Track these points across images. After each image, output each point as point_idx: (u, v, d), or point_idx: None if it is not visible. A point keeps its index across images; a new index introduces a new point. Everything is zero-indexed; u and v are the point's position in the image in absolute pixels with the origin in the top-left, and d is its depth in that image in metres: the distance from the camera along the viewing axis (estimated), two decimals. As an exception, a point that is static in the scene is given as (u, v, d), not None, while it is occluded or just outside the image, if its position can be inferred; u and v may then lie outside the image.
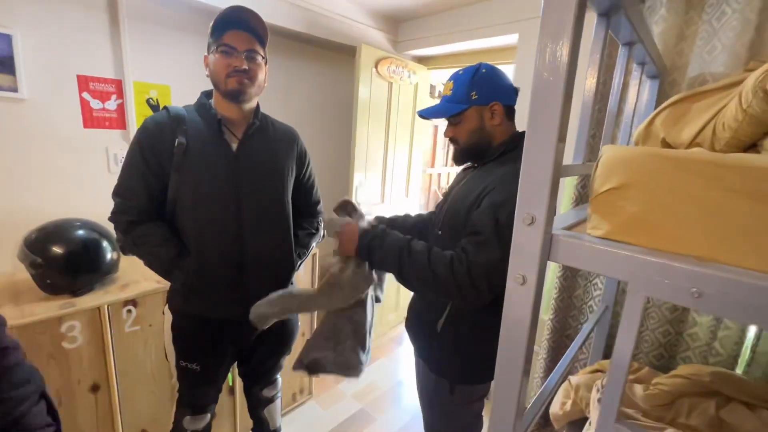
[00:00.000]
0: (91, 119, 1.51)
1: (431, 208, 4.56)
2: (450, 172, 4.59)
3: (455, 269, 0.83)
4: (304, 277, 1.91)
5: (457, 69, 1.02)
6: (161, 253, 1.08)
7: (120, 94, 1.56)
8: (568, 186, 1.41)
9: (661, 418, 0.94)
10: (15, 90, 1.32)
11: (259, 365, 1.39)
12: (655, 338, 1.23)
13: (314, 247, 1.40)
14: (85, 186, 1.52)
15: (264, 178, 1.16)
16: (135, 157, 1.06)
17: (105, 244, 1.33)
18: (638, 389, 1.01)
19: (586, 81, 0.81)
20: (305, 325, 1.99)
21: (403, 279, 0.91)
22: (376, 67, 2.15)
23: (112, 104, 1.55)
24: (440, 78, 3.06)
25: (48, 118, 1.42)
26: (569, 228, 0.66)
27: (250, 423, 1.53)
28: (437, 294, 0.88)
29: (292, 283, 1.36)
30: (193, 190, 1.08)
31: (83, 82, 1.47)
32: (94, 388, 1.30)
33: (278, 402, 1.52)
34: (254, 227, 1.15)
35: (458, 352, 1.01)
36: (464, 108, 0.96)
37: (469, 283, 0.82)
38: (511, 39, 1.96)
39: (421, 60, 2.59)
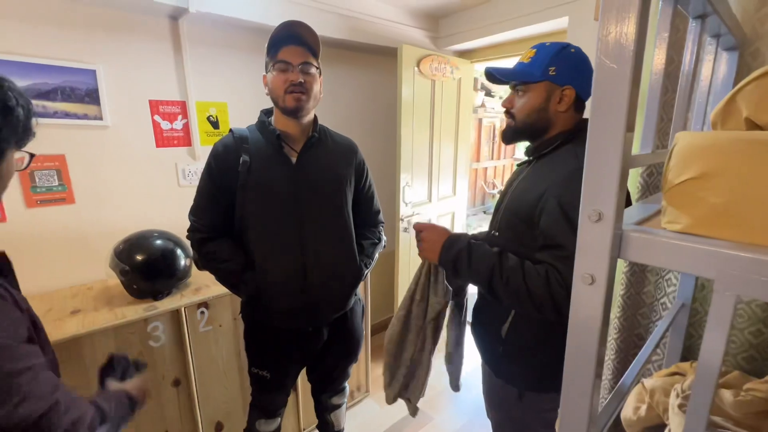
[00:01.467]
0: (161, 139, 1.67)
1: (479, 204, 4.44)
2: (497, 166, 4.44)
3: (553, 289, 0.78)
4: (370, 286, 1.95)
5: (501, 59, 0.98)
6: (227, 268, 1.14)
7: (185, 114, 1.71)
8: (632, 175, 1.31)
9: (756, 428, 0.85)
10: (100, 118, 1.50)
11: (327, 373, 1.41)
12: (744, 339, 1.11)
13: (377, 256, 1.38)
14: (159, 199, 1.68)
15: (324, 189, 1.18)
16: (205, 179, 1.15)
17: (179, 251, 1.46)
18: (727, 395, 0.91)
19: (653, 61, 0.75)
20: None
21: (491, 292, 0.87)
22: (418, 65, 2.14)
23: (178, 124, 1.70)
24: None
25: (127, 141, 1.58)
26: (640, 223, 0.62)
27: (313, 417, 1.60)
28: (527, 309, 0.83)
29: (356, 294, 1.37)
30: (257, 205, 1.13)
31: (154, 106, 1.63)
32: (176, 383, 1.43)
33: (344, 407, 1.54)
34: (316, 239, 1.17)
35: (525, 359, 0.97)
36: (536, 80, 0.89)
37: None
38: (560, 23, 1.86)
39: (464, 54, 2.54)
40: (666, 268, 0.61)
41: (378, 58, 2.35)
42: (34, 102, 1.34)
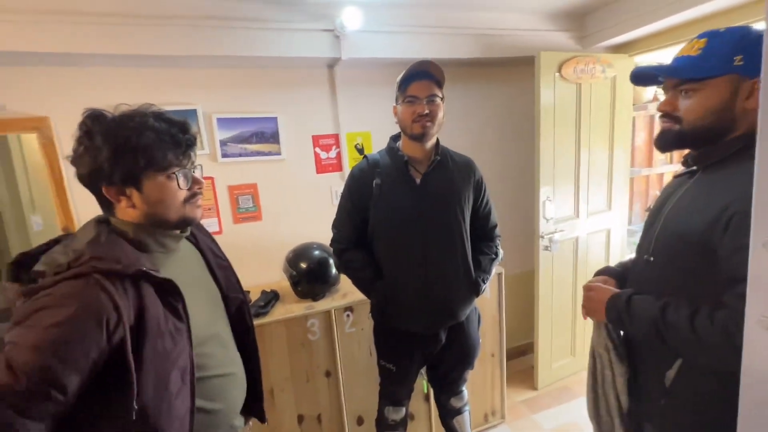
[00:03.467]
0: (320, 167, 2.01)
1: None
2: (677, 170, 3.63)
3: (737, 342, 0.64)
4: (491, 300, 1.90)
5: (668, 47, 0.83)
6: (361, 276, 1.35)
7: (337, 144, 2.02)
8: None
9: None
10: (279, 154, 1.91)
11: (444, 375, 1.50)
12: None
13: (495, 270, 1.46)
14: (318, 215, 2.01)
15: (444, 207, 1.29)
16: (345, 198, 1.37)
17: (331, 261, 1.72)
18: None
19: None
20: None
21: (664, 345, 0.79)
22: (559, 71, 1.99)
23: (332, 153, 2.02)
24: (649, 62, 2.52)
25: (296, 170, 1.97)
26: None
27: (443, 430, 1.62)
28: (709, 365, 0.74)
29: (475, 307, 1.46)
30: (386, 221, 1.30)
31: (315, 140, 1.98)
32: (328, 374, 1.67)
33: (467, 415, 1.58)
34: (437, 253, 1.28)
35: (700, 415, 0.79)
36: (717, 74, 0.73)
37: None
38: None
39: (619, 48, 2.22)
40: None
41: (514, 69, 2.28)
42: (239, 146, 1.84)
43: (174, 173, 0.75)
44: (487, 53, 2.01)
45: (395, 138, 1.38)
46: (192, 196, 0.80)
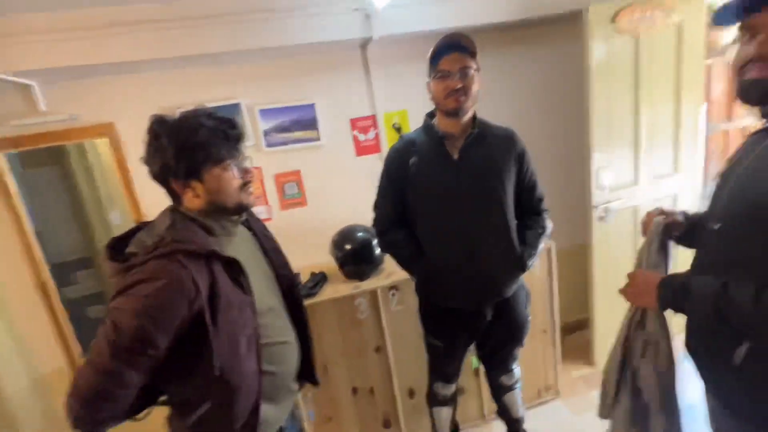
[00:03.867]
0: (359, 149, 2.03)
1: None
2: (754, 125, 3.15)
3: None
4: (540, 275, 1.84)
5: None
6: (403, 254, 1.36)
7: (375, 125, 2.02)
8: None
9: None
10: (318, 140, 1.95)
11: (493, 353, 1.49)
12: None
13: (542, 245, 1.39)
14: (361, 197, 2.02)
15: (484, 182, 1.25)
16: (383, 180, 1.38)
17: (375, 242, 1.76)
18: None
19: None
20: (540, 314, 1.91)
21: (727, 326, 0.73)
22: (613, 22, 1.79)
23: (371, 135, 2.02)
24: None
25: (336, 154, 2.01)
26: None
27: (492, 406, 1.64)
28: None
29: (523, 284, 1.43)
30: (425, 198, 1.29)
31: (353, 123, 1.99)
32: (378, 349, 1.74)
33: (517, 392, 1.57)
34: (478, 229, 1.26)
35: None
36: None
37: None
38: None
39: (686, -13, 1.94)
40: None
41: (559, 28, 2.09)
42: (281, 135, 1.91)
43: (228, 165, 0.85)
44: (528, 13, 1.87)
45: (431, 115, 1.34)
46: (245, 184, 0.89)
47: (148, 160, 0.84)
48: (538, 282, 1.83)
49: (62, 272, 2.08)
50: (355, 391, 1.76)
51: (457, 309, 1.34)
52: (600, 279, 2.07)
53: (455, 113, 1.21)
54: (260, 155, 1.91)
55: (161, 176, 0.84)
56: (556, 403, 1.99)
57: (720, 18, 0.74)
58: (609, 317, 2.16)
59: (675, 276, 0.81)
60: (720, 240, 0.78)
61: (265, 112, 1.86)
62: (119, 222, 2.33)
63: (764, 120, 0.75)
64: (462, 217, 1.25)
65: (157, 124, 0.83)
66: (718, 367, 0.81)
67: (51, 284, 1.78)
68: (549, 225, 1.40)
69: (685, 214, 0.97)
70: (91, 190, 2.43)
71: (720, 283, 0.71)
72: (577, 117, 2.18)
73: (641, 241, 1.02)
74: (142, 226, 0.87)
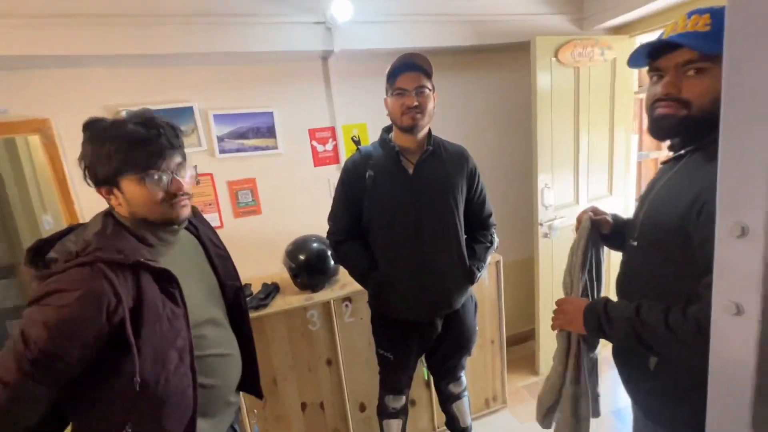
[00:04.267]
0: (317, 160, 2.03)
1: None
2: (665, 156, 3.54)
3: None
4: (489, 287, 1.91)
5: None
6: (357, 266, 1.37)
7: (334, 137, 2.03)
8: None
9: None
10: (276, 148, 1.93)
11: (443, 362, 1.52)
12: None
13: (490, 259, 1.46)
14: (316, 208, 2.03)
15: (437, 197, 1.30)
16: (339, 191, 1.38)
17: (329, 253, 1.75)
18: None
19: None
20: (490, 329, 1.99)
21: (648, 350, 0.79)
22: (556, 55, 1.96)
23: (329, 146, 2.03)
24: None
25: (294, 164, 1.99)
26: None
27: (442, 416, 1.66)
28: (687, 358, 0.74)
29: (472, 295, 1.48)
30: (380, 211, 1.31)
31: (312, 133, 1.99)
32: (329, 362, 1.72)
33: (465, 400, 1.61)
34: (431, 243, 1.30)
35: (680, 398, 0.80)
36: None
37: None
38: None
39: (620, 29, 2.17)
40: None
41: (510, 55, 2.25)
42: (237, 141, 1.87)
43: (148, 175, 0.78)
44: (481, 40, 1.99)
45: (387, 129, 1.38)
46: (171, 197, 0.81)
47: (79, 161, 0.81)
48: (487, 294, 1.91)
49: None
50: (304, 406, 1.71)
51: (408, 321, 1.37)
52: (544, 292, 2.20)
53: (411, 129, 1.25)
54: (213, 161, 1.85)
55: (88, 179, 0.81)
56: (504, 412, 2.05)
57: (633, 61, 0.83)
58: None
59: (598, 302, 0.87)
60: (637, 255, 0.87)
61: (220, 118, 1.82)
62: (51, 227, 2.13)
63: (672, 151, 0.85)
64: (416, 230, 1.29)
65: (85, 125, 0.79)
66: (636, 374, 0.89)
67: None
68: (496, 239, 1.47)
69: (613, 216, 1.07)
70: (21, 191, 2.22)
71: (633, 307, 0.78)
72: (524, 139, 2.34)
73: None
74: (74, 228, 0.82)
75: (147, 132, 0.78)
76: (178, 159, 0.83)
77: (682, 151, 0.80)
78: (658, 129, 0.79)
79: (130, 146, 0.76)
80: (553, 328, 0.98)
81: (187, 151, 0.92)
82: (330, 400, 1.75)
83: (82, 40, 1.46)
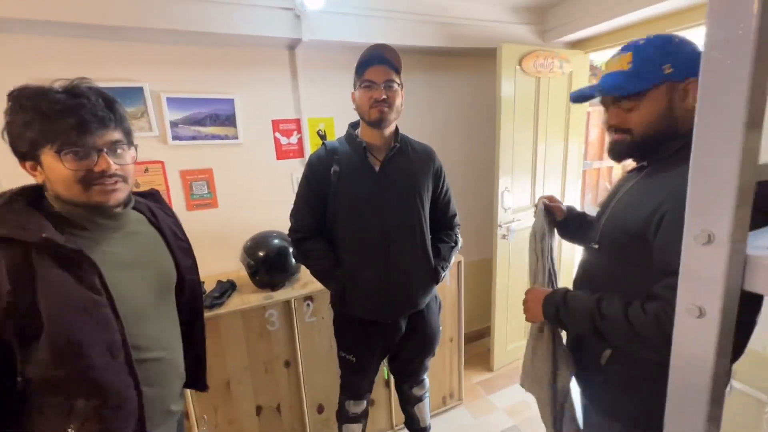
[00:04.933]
0: (281, 152, 1.94)
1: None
2: (627, 164, 3.87)
3: (667, 330, 0.70)
4: (450, 287, 1.95)
5: (620, 46, 0.86)
6: (320, 265, 1.31)
7: (299, 129, 1.95)
8: None
9: None
10: (236, 137, 1.82)
11: (406, 364, 1.51)
12: None
13: (454, 258, 1.47)
14: (278, 203, 1.95)
15: (403, 194, 1.28)
16: (303, 186, 1.33)
17: (291, 250, 1.68)
18: None
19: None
20: (452, 330, 2.03)
21: (602, 340, 0.84)
22: (520, 64, 2.03)
23: (294, 139, 1.95)
24: (602, 60, 2.64)
25: (254, 155, 1.89)
26: (776, 244, 0.50)
27: (402, 415, 1.66)
28: (646, 353, 0.78)
29: (436, 296, 1.48)
30: (345, 209, 1.27)
31: (275, 124, 1.90)
32: (287, 364, 1.65)
33: (426, 401, 1.61)
34: (396, 240, 1.28)
35: (631, 392, 0.85)
36: (653, 84, 0.77)
37: None
38: (701, -6, 1.55)
39: (577, 45, 2.30)
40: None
41: (477, 60, 2.30)
42: (192, 128, 1.73)
43: (63, 151, 0.70)
44: (450, 42, 2.01)
45: (354, 125, 1.35)
46: (94, 179, 0.73)
47: (1, 133, 0.74)
48: (448, 293, 1.94)
49: None
50: (259, 409, 1.63)
51: (372, 322, 1.34)
52: (501, 291, 2.28)
53: (378, 124, 1.22)
54: (164, 148, 1.70)
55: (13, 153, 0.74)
56: (460, 408, 2.11)
57: (573, 99, 0.92)
58: (506, 326, 2.39)
59: (557, 292, 0.91)
60: (597, 257, 0.92)
61: (175, 102, 1.68)
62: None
63: (636, 162, 0.91)
64: (381, 228, 1.26)
65: (11, 93, 0.72)
66: (588, 368, 0.94)
67: None
68: (460, 240, 1.49)
69: (568, 207, 1.15)
70: None
71: (594, 299, 0.82)
72: (487, 143, 2.41)
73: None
74: None
75: (69, 101, 0.71)
76: (113, 136, 0.75)
77: (644, 162, 0.86)
78: (613, 152, 0.88)
79: (47, 116, 0.69)
80: (526, 320, 1.02)
81: (136, 135, 0.84)
82: (287, 403, 1.69)
83: (19, 1, 1.27)
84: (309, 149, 1.97)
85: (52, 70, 1.48)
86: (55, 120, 0.69)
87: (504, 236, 2.21)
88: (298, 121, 1.94)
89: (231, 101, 1.78)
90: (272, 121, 1.89)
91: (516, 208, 2.24)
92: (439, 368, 2.02)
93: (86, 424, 0.71)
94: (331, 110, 2.00)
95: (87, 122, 0.71)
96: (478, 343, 2.66)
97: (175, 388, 0.91)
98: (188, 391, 1.42)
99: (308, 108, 1.94)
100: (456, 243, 1.46)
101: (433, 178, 1.36)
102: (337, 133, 2.03)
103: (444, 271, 1.40)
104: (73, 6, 1.34)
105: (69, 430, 0.70)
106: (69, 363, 0.69)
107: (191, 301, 0.99)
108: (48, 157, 0.71)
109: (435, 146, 1.46)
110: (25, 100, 0.70)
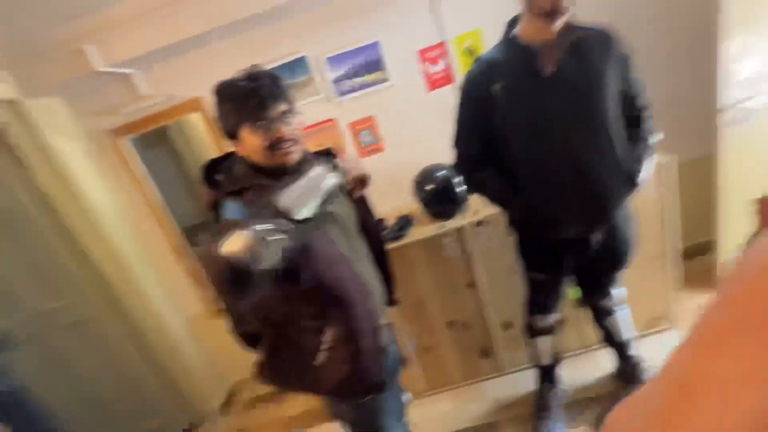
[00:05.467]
0: (431, 83, 1.91)
1: None
2: None
3: None
4: (653, 196, 1.61)
5: None
6: (498, 194, 1.26)
7: (445, 54, 1.86)
8: None
9: None
10: (387, 80, 1.88)
11: (595, 278, 1.42)
12: None
13: (651, 158, 1.20)
14: (438, 135, 1.95)
15: (583, 97, 1.07)
16: (461, 112, 1.23)
17: (456, 180, 1.69)
18: None
19: None
20: (658, 246, 1.71)
21: None
22: None
23: (441, 65, 1.88)
24: None
25: (406, 93, 1.92)
26: None
27: (593, 335, 1.58)
28: None
29: (628, 207, 1.27)
30: (516, 126, 1.14)
31: (422, 54, 1.86)
32: (470, 285, 1.76)
33: (620, 314, 1.50)
34: (581, 150, 1.11)
35: None
36: None
37: None
38: None
39: None
40: None
41: None
42: (350, 81, 1.87)
43: (254, 125, 0.87)
44: None
45: (511, 24, 1.15)
46: (275, 144, 0.88)
47: (214, 122, 0.98)
48: (651, 202, 1.62)
49: (191, 234, 2.38)
50: (450, 324, 1.82)
51: (561, 239, 1.25)
52: (729, 196, 1.76)
53: (552, 14, 0.98)
54: (332, 106, 1.91)
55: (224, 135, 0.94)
56: (670, 333, 1.83)
57: None
58: (738, 239, 1.85)
59: None
60: None
61: (332, 60, 1.83)
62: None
63: None
64: (563, 141, 1.10)
65: (214, 90, 0.91)
66: None
67: (183, 245, 2.11)
68: (656, 135, 1.20)
69: None
70: (195, 162, 2.74)
71: None
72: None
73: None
74: (230, 154, 0.98)
75: (251, 86, 0.86)
76: (282, 107, 0.89)
77: None
78: None
79: (239, 101, 0.86)
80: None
81: (307, 101, 1.00)
82: (474, 320, 1.82)
83: (204, 19, 1.60)
84: (459, 72, 1.87)
85: (243, 63, 1.81)
86: (245, 103, 0.86)
87: (733, 123, 1.63)
88: (442, 45, 1.84)
89: (376, 45, 1.82)
90: (417, 52, 1.86)
91: (757, 77, 1.59)
92: (646, 288, 1.76)
93: (340, 321, 0.92)
94: (477, 21, 1.80)
95: (264, 100, 0.87)
96: (697, 260, 2.18)
97: (380, 306, 1.10)
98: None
99: (451, 26, 1.81)
100: (649, 140, 1.19)
101: (616, 67, 1.09)
102: (488, 45, 1.83)
103: (641, 173, 1.17)
104: (238, 4, 1.59)
105: (325, 329, 0.92)
106: (329, 274, 0.91)
107: (375, 237, 1.16)
108: (245, 132, 0.88)
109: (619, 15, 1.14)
110: (223, 93, 0.89)
